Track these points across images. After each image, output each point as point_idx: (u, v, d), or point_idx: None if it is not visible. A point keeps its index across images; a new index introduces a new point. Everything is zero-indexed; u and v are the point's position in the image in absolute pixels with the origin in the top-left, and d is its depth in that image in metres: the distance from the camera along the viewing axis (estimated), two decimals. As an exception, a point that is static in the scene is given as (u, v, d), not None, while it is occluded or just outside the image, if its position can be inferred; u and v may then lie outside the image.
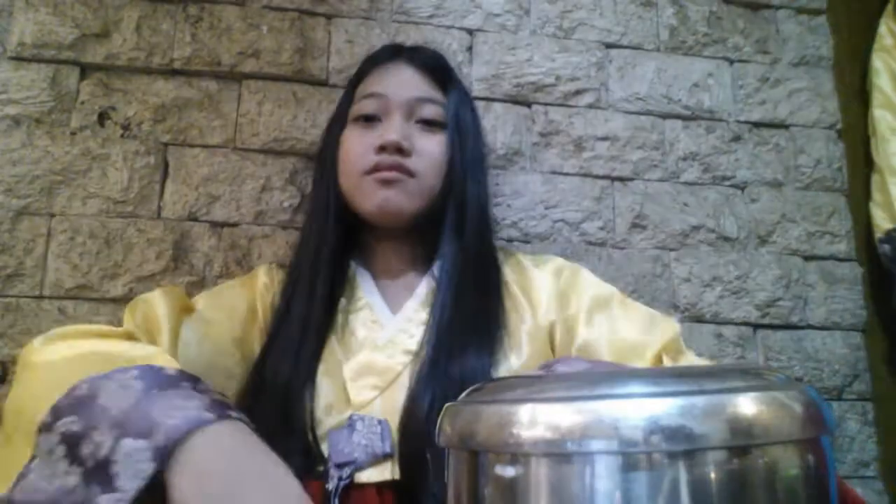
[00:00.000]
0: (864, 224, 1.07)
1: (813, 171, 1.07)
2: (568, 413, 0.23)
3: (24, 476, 0.41)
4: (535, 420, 0.24)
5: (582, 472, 0.23)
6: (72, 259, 0.84)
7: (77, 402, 0.42)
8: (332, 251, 0.70)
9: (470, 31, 1.02)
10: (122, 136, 0.89)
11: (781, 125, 1.08)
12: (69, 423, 0.41)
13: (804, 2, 1.13)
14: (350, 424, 0.60)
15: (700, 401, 0.23)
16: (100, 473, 0.39)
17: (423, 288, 0.70)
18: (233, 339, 0.67)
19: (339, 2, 0.98)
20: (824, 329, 1.02)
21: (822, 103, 1.10)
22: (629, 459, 0.23)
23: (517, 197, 0.97)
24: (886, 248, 1.00)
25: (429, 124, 0.72)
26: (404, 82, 0.73)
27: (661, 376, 0.26)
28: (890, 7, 1.10)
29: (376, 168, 0.68)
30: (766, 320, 1.00)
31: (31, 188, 0.85)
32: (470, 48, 1.01)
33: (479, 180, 0.74)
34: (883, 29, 1.10)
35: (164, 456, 0.39)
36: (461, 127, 0.73)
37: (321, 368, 0.64)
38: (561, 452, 0.23)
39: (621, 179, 1.01)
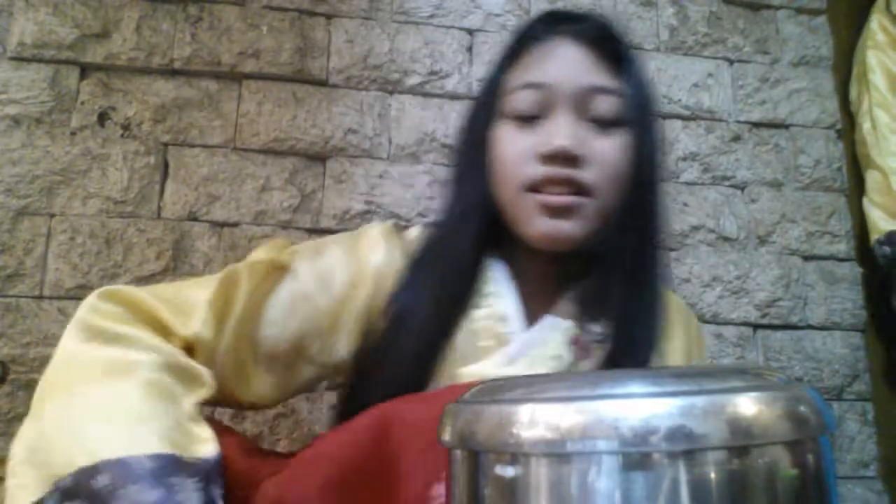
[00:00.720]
0: (863, 224, 1.07)
1: (813, 171, 1.07)
2: (568, 413, 0.24)
3: None
4: (535, 420, 0.24)
5: (582, 471, 0.23)
6: (72, 259, 0.84)
7: (88, 496, 0.39)
8: (473, 262, 0.59)
9: (470, 31, 1.02)
10: (122, 136, 0.89)
11: (781, 125, 1.08)
12: None
13: (804, 2, 1.13)
14: None
15: (700, 401, 0.23)
16: None
17: (566, 308, 0.59)
18: (322, 327, 0.57)
19: (339, 2, 0.98)
20: (824, 329, 1.02)
21: (822, 103, 1.10)
22: (629, 459, 0.23)
23: (517, 197, 0.97)
24: (886, 249, 0.99)
25: (604, 122, 0.56)
26: (571, 67, 0.56)
27: (661, 376, 0.26)
28: (881, 2, 1.08)
29: (542, 184, 0.54)
30: (766, 320, 1.00)
31: (31, 188, 0.85)
32: (470, 48, 1.01)
33: (660, 193, 0.61)
34: (875, 25, 1.08)
35: None
36: (645, 120, 0.58)
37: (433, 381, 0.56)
38: (561, 452, 0.23)
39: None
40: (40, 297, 0.83)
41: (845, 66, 1.12)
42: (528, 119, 0.56)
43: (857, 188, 1.08)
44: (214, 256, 0.88)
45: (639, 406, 0.23)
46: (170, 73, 0.92)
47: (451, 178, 0.65)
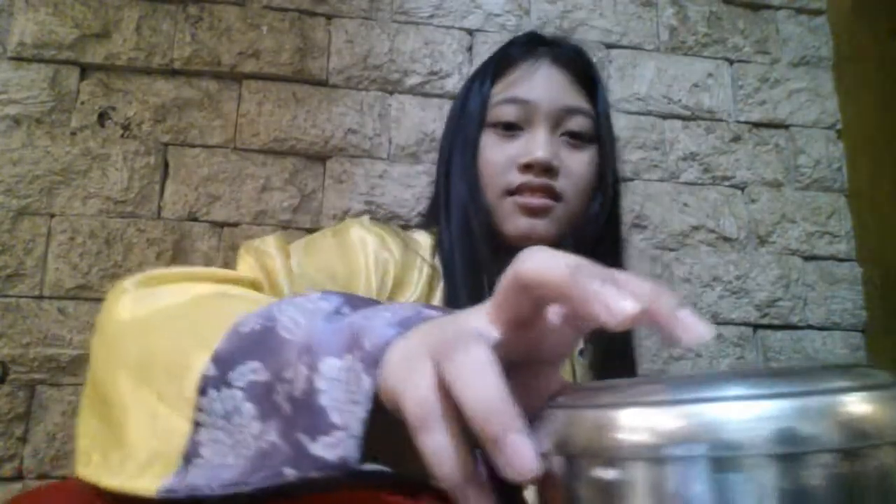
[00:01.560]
0: (867, 225, 1.06)
1: (813, 171, 1.07)
2: (669, 417, 0.23)
3: (194, 454, 0.29)
4: (635, 425, 0.23)
5: (684, 476, 0.23)
6: (72, 259, 0.85)
7: (252, 344, 0.30)
8: (480, 270, 0.62)
9: (470, 31, 1.02)
10: (122, 136, 0.89)
11: (781, 125, 1.08)
12: (251, 373, 0.30)
13: (804, 2, 1.13)
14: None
15: (808, 401, 0.22)
16: (303, 414, 0.27)
17: None
18: None
19: (339, 2, 0.98)
20: (824, 329, 1.02)
21: (822, 103, 1.10)
22: (733, 463, 0.22)
23: (517, 197, 0.97)
24: None
25: (576, 137, 0.64)
26: (551, 87, 0.64)
27: (761, 377, 0.25)
28: None
29: (520, 190, 0.61)
30: (766, 320, 1.00)
31: (31, 188, 0.85)
32: (470, 48, 1.01)
33: (619, 200, 0.70)
34: None
35: (375, 365, 0.26)
36: (611, 139, 0.67)
37: None
38: (662, 457, 0.23)
39: (621, 179, 1.01)
40: (40, 297, 0.83)
41: (845, 66, 1.12)
42: (510, 130, 0.64)
43: (857, 188, 1.08)
44: (214, 256, 0.88)
45: (742, 408, 0.22)
46: (170, 73, 0.92)
47: (445, 184, 0.68)
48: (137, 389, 0.33)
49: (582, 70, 0.67)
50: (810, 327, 1.02)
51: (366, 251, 0.59)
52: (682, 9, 1.09)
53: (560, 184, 0.62)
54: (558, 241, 0.63)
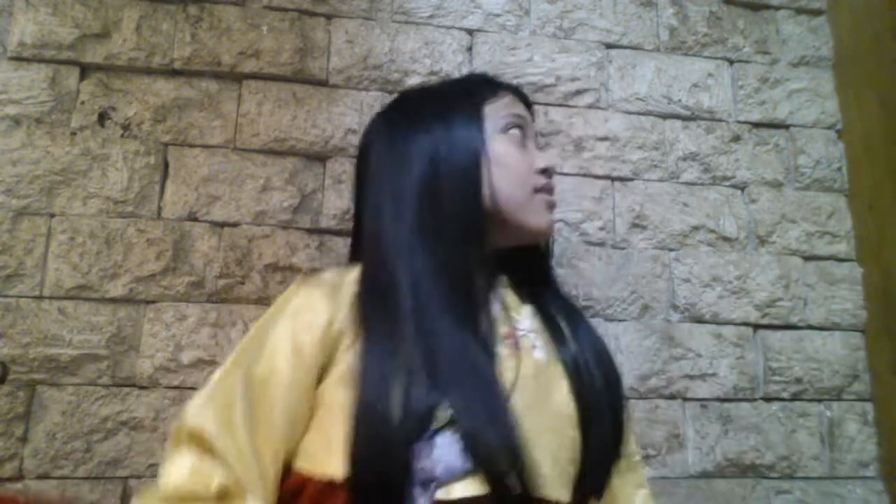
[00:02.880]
0: (867, 225, 1.06)
1: (813, 171, 1.07)
2: None
3: None
4: None
5: None
6: (72, 259, 0.85)
7: None
8: (486, 274, 0.67)
9: (470, 32, 1.02)
10: (122, 136, 0.89)
11: (781, 125, 1.08)
12: None
13: (804, 2, 1.13)
14: (431, 439, 0.57)
15: None
16: None
17: (495, 311, 0.69)
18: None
19: (339, 2, 0.98)
20: (824, 329, 1.02)
21: (822, 103, 1.10)
22: None
23: (517, 197, 0.97)
24: None
25: None
26: (529, 115, 0.76)
27: None
28: None
29: (544, 189, 0.71)
30: (766, 320, 1.00)
31: (31, 188, 0.85)
32: (470, 48, 1.01)
33: None
34: None
35: None
36: None
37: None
38: None
39: (621, 179, 1.01)
40: (40, 297, 0.83)
41: (845, 66, 1.12)
42: (523, 135, 0.73)
43: (857, 188, 1.08)
44: (214, 256, 0.88)
45: None
46: (170, 73, 0.92)
47: (434, 195, 0.68)
48: None
49: (530, 105, 0.79)
50: (810, 327, 1.02)
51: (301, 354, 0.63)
52: (682, 9, 1.09)
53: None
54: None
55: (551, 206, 0.72)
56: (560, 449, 0.62)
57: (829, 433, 0.98)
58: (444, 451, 0.56)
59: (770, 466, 0.96)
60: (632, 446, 0.72)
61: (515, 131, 0.72)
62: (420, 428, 0.56)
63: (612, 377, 0.70)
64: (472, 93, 0.75)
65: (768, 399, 0.98)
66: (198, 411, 0.60)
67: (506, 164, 0.69)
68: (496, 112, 0.72)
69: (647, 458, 0.93)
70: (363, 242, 0.74)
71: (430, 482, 0.54)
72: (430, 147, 0.69)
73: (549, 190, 0.72)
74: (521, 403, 0.61)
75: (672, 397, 0.95)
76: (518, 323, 0.70)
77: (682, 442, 0.94)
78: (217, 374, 0.63)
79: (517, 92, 0.78)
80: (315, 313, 0.64)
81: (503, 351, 0.65)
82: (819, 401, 0.99)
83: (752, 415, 0.97)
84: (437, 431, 0.57)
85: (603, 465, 0.66)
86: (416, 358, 0.59)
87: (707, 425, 0.95)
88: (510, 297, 0.73)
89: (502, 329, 0.68)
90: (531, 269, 0.77)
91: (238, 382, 0.61)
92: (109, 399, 0.82)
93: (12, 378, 0.81)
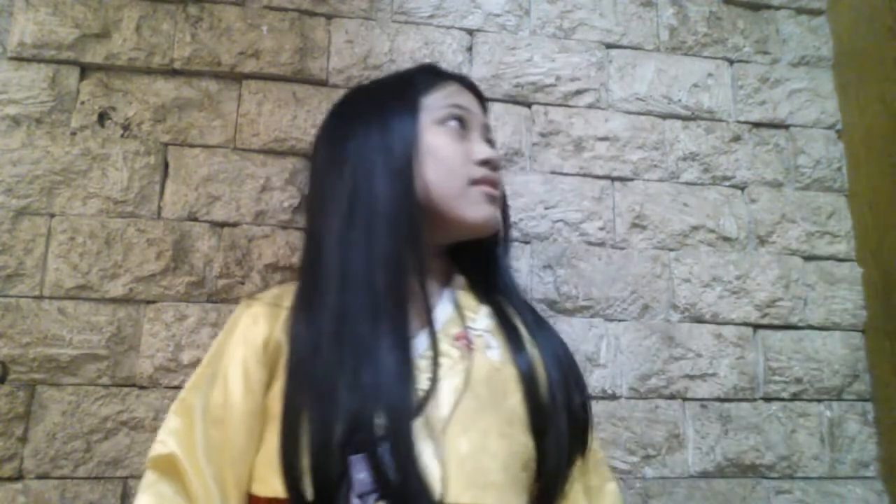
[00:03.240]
0: (866, 225, 1.06)
1: (812, 171, 1.07)
2: None
3: None
4: None
5: None
6: (72, 259, 0.85)
7: None
8: (421, 270, 0.64)
9: (470, 32, 1.02)
10: (122, 136, 0.89)
11: (781, 125, 1.08)
12: None
13: (804, 2, 1.13)
14: (368, 450, 0.56)
15: None
16: None
17: (446, 312, 0.68)
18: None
19: (339, 2, 0.98)
20: (824, 329, 1.02)
21: (821, 103, 1.10)
22: None
23: (517, 197, 0.97)
24: None
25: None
26: (476, 106, 0.74)
27: None
28: None
29: (483, 181, 0.69)
30: (766, 320, 1.00)
31: (31, 188, 0.85)
32: (470, 48, 1.01)
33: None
34: None
35: None
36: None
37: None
38: None
39: (621, 179, 1.01)
40: (40, 297, 0.83)
41: (845, 66, 1.12)
42: (462, 128, 0.71)
43: (857, 188, 1.08)
44: (214, 256, 0.88)
45: None
46: (170, 73, 0.92)
47: (355, 189, 0.67)
48: None
49: (481, 96, 0.78)
50: (810, 327, 1.02)
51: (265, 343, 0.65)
52: (682, 9, 1.09)
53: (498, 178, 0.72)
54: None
55: (492, 199, 0.70)
56: (511, 456, 0.60)
57: (829, 433, 0.98)
58: (384, 461, 0.55)
59: (770, 466, 0.96)
60: (593, 444, 0.70)
61: (453, 122, 0.70)
62: (347, 440, 0.54)
63: (571, 381, 0.67)
64: (410, 84, 0.73)
65: (768, 399, 0.98)
66: (163, 438, 0.63)
67: (439, 157, 0.68)
68: (434, 103, 0.70)
69: (647, 458, 0.93)
70: (304, 247, 0.74)
71: (369, 494, 0.53)
72: (363, 142, 0.68)
73: (490, 182, 0.70)
74: (471, 407, 0.60)
75: (672, 397, 0.95)
76: (473, 322, 0.68)
77: (682, 442, 0.94)
78: (175, 404, 0.65)
79: (464, 82, 0.76)
80: (256, 332, 0.65)
81: (453, 353, 0.63)
82: (819, 401, 1.00)
83: (752, 415, 0.97)
84: (376, 442, 0.56)
85: (559, 471, 0.63)
86: (340, 366, 0.58)
87: (707, 425, 0.95)
88: (466, 297, 0.71)
89: (453, 330, 0.66)
90: (486, 268, 0.75)
91: (197, 410, 0.63)
92: (109, 399, 0.82)
93: (12, 378, 0.81)
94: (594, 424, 0.69)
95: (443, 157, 0.68)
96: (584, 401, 0.68)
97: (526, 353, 0.66)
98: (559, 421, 0.64)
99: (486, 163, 0.69)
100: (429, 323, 0.63)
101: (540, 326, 0.71)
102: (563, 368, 0.68)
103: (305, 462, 0.55)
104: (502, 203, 0.76)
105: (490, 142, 0.75)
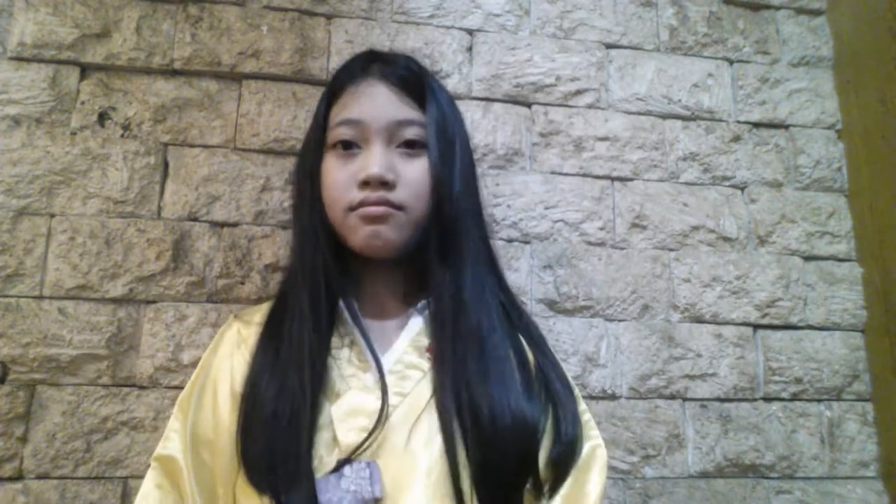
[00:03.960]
0: (866, 225, 1.07)
1: (812, 171, 1.07)
2: None
3: None
4: None
5: None
6: (72, 259, 0.85)
7: None
8: (328, 287, 0.65)
9: (470, 32, 1.02)
10: (122, 136, 0.89)
11: (781, 125, 1.08)
12: None
13: (804, 2, 1.13)
14: (338, 470, 0.57)
15: None
16: None
17: (416, 324, 0.67)
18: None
19: (339, 2, 0.98)
20: (824, 329, 1.02)
21: (821, 103, 1.10)
22: None
23: (517, 197, 0.97)
24: None
25: (411, 146, 0.66)
26: (381, 104, 0.66)
27: None
28: None
29: (361, 205, 0.64)
30: (766, 320, 1.01)
31: (31, 188, 0.85)
32: (470, 48, 1.01)
33: (470, 194, 0.70)
34: None
35: None
36: (443, 144, 0.67)
37: (319, 414, 0.61)
38: None
39: (621, 179, 1.02)
40: (40, 297, 0.83)
41: (846, 66, 1.12)
42: (348, 150, 0.66)
43: (857, 188, 1.08)
44: (214, 256, 0.88)
45: None
46: (170, 73, 0.92)
47: (294, 209, 0.72)
48: None
49: (412, 81, 0.69)
50: (810, 327, 1.02)
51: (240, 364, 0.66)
52: (682, 9, 1.09)
53: (398, 194, 0.64)
54: (404, 247, 0.65)
55: (372, 219, 0.63)
56: (435, 497, 0.57)
57: (829, 433, 0.98)
58: (352, 481, 0.56)
59: (770, 466, 0.96)
60: (581, 405, 0.67)
61: (339, 146, 0.67)
62: (307, 459, 0.57)
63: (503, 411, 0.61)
64: (326, 96, 0.71)
65: (768, 399, 0.98)
66: (163, 444, 0.65)
67: (327, 184, 0.67)
68: (331, 120, 0.68)
69: (646, 457, 0.93)
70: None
71: None
72: (300, 164, 0.73)
73: (367, 203, 0.63)
74: (391, 442, 0.59)
75: (672, 397, 0.95)
76: (405, 349, 0.66)
77: (682, 442, 0.94)
78: (171, 421, 0.66)
79: (381, 71, 0.69)
80: (244, 349, 0.67)
81: (390, 379, 0.62)
82: (819, 401, 1.00)
83: (752, 415, 0.97)
84: (343, 462, 0.57)
85: None
86: (295, 381, 0.61)
87: (707, 425, 0.95)
88: (416, 319, 0.68)
89: (423, 342, 0.66)
90: (427, 285, 0.67)
91: (188, 427, 0.64)
92: (109, 399, 0.82)
93: (12, 378, 0.81)
94: (588, 421, 0.67)
95: (328, 185, 0.67)
96: (524, 431, 0.60)
97: (451, 383, 0.62)
98: (491, 454, 0.59)
99: (366, 184, 0.63)
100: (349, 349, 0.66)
101: (480, 347, 0.65)
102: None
103: (271, 481, 0.57)
104: (448, 199, 0.67)
105: (410, 144, 0.66)
